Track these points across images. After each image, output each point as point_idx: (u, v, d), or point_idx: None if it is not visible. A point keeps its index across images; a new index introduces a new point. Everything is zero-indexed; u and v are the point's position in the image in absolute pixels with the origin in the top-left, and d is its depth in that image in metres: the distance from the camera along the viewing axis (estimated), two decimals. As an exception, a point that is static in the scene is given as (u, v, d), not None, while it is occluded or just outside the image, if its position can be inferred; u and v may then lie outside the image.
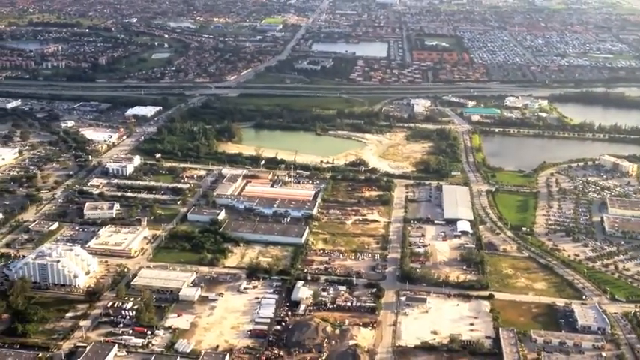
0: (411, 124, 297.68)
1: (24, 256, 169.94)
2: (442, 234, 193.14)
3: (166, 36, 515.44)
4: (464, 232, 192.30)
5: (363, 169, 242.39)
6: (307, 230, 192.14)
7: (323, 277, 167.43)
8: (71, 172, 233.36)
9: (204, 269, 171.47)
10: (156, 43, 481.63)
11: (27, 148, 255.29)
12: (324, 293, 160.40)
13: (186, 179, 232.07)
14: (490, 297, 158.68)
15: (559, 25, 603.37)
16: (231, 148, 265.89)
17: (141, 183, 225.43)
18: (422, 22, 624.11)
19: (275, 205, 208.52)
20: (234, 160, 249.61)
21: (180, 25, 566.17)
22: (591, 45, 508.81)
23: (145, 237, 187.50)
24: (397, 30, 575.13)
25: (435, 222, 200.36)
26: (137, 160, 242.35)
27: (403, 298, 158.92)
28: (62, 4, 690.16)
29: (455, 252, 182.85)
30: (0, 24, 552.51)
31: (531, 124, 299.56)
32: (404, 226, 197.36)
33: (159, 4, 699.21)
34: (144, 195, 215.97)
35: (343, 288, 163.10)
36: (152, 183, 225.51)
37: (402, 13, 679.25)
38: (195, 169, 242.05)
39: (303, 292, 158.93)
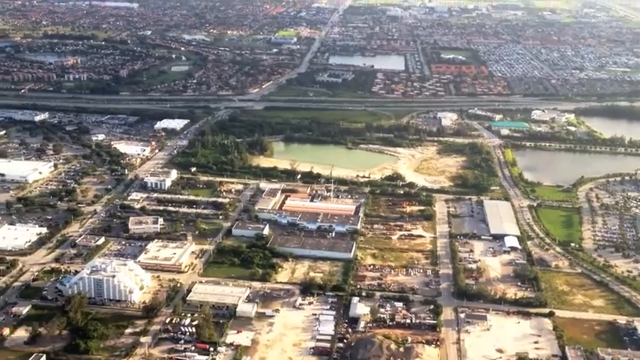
0: (441, 138, 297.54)
1: (76, 272, 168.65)
2: (491, 250, 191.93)
3: (183, 48, 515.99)
4: (513, 248, 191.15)
5: (401, 183, 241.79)
6: (354, 245, 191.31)
7: (378, 294, 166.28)
8: (109, 186, 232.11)
9: (257, 285, 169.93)
10: (173, 56, 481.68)
11: (61, 161, 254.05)
12: (382, 310, 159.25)
13: (224, 193, 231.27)
14: (550, 314, 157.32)
15: (572, 39, 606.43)
16: (263, 162, 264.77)
17: (181, 197, 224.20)
18: (434, 35, 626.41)
19: (319, 220, 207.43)
20: (270, 174, 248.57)
21: (194, 38, 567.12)
22: (607, 58, 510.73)
23: (192, 252, 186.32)
24: (411, 43, 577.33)
25: (482, 237, 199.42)
26: (174, 173, 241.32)
27: (462, 315, 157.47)
28: (74, 16, 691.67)
29: (506, 268, 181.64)
30: (15, 36, 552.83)
31: (562, 138, 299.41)
32: (451, 241, 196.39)
33: (170, 17, 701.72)
34: (185, 209, 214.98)
35: (400, 304, 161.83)
36: (192, 197, 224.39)
37: (413, 26, 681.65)
38: (232, 182, 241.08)
39: (361, 309, 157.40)
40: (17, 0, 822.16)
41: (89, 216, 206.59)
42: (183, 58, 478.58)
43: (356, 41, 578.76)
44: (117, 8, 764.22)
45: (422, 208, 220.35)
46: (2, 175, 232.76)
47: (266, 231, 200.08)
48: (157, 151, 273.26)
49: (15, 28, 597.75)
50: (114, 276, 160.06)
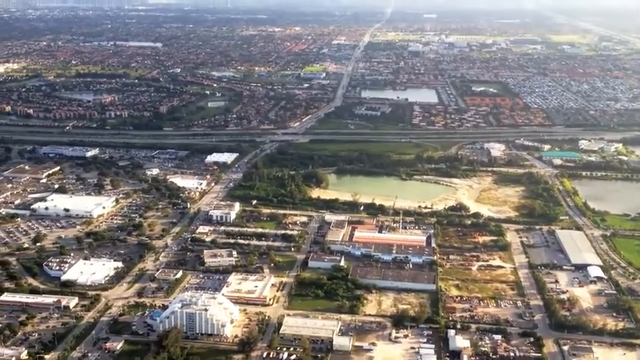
0: (494, 169, 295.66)
1: (164, 306, 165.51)
2: (576, 280, 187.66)
3: (215, 85, 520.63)
4: (599, 278, 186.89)
5: (466, 213, 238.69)
6: (436, 277, 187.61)
7: (473, 326, 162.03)
8: (174, 220, 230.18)
9: (346, 317, 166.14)
10: (207, 92, 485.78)
11: (121, 196, 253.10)
12: (481, 343, 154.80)
13: (290, 225, 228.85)
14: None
15: (598, 71, 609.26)
16: (322, 194, 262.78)
17: (248, 230, 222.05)
18: (460, 69, 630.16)
19: (393, 251, 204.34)
20: (332, 206, 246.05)
21: (224, 75, 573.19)
22: (638, 90, 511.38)
23: (272, 284, 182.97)
24: (439, 77, 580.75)
25: (563, 267, 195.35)
26: (237, 206, 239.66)
27: (566, 348, 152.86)
28: (102, 55, 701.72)
29: (597, 299, 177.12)
30: (48, 75, 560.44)
31: (616, 167, 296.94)
32: (533, 272, 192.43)
33: (196, 55, 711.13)
34: (255, 242, 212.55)
35: (498, 337, 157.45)
36: (260, 229, 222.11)
37: (437, 61, 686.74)
38: (296, 214, 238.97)
39: (460, 342, 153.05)
40: (42, 41, 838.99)
41: (161, 250, 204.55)
42: (218, 94, 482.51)
43: (384, 75, 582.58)
44: (142, 48, 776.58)
45: (494, 238, 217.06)
46: (67, 210, 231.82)
47: (342, 263, 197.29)
48: (213, 184, 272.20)
49: (46, 68, 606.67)
50: (206, 309, 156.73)
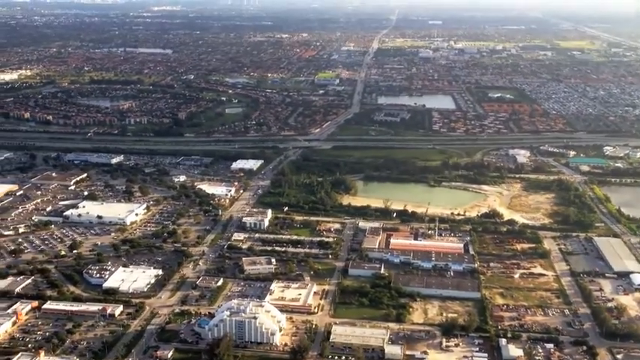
0: (522, 175, 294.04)
1: (210, 314, 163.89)
2: (620, 288, 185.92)
3: (230, 91, 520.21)
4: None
5: (500, 220, 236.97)
6: (479, 284, 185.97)
7: (524, 335, 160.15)
8: (207, 227, 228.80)
9: (393, 326, 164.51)
10: (223, 99, 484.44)
11: (151, 203, 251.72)
12: (535, 352, 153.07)
13: (325, 232, 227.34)
14: None
15: (611, 77, 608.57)
16: (351, 200, 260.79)
17: (283, 237, 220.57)
18: (473, 74, 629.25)
19: (433, 259, 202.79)
20: (364, 213, 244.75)
21: (238, 81, 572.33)
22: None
23: (315, 292, 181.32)
24: (453, 83, 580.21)
25: (606, 275, 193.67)
26: (269, 213, 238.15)
27: (620, 357, 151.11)
28: (113, 62, 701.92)
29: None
30: (62, 82, 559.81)
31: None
32: (576, 280, 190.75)
33: (207, 62, 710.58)
34: (292, 249, 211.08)
35: (550, 346, 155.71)
36: (295, 237, 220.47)
37: (449, 67, 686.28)
38: (329, 221, 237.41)
39: (513, 351, 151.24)
40: (52, 47, 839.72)
41: (199, 257, 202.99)
42: (234, 100, 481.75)
43: (398, 82, 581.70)
44: (152, 54, 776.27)
45: (532, 245, 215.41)
46: (100, 217, 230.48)
47: (382, 270, 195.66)
48: (241, 191, 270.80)
49: (59, 74, 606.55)
50: (255, 317, 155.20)
